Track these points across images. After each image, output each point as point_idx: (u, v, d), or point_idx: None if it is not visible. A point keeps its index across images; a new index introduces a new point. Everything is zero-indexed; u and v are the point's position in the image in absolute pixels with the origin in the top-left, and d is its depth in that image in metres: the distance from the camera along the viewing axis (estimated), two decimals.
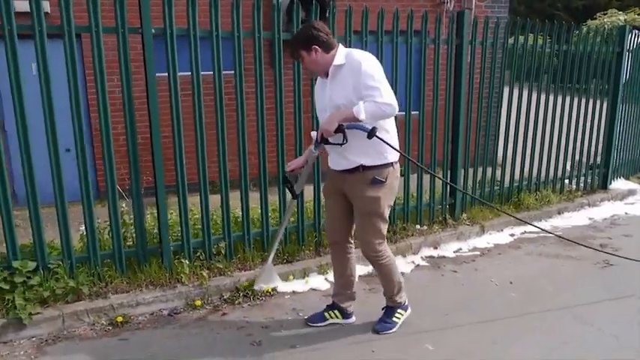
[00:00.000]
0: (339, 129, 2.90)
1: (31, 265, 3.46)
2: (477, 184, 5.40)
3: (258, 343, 3.24)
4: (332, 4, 4.28)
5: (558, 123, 5.93)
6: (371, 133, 2.88)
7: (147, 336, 3.36)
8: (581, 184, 6.37)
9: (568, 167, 6.21)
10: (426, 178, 5.04)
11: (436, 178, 4.84)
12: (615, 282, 4.05)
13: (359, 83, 2.85)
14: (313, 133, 3.34)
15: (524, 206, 5.63)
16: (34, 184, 3.42)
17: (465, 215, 5.17)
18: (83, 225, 3.69)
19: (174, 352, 3.16)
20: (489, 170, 5.48)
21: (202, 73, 3.74)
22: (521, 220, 4.36)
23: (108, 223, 3.73)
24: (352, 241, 3.40)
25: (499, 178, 5.60)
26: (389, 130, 3.05)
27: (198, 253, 3.95)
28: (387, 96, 2.83)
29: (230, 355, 3.13)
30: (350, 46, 4.02)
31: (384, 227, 3.20)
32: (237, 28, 3.79)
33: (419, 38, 4.59)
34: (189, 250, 3.90)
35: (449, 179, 5.09)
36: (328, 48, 2.98)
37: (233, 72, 3.86)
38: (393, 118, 3.07)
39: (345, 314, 3.45)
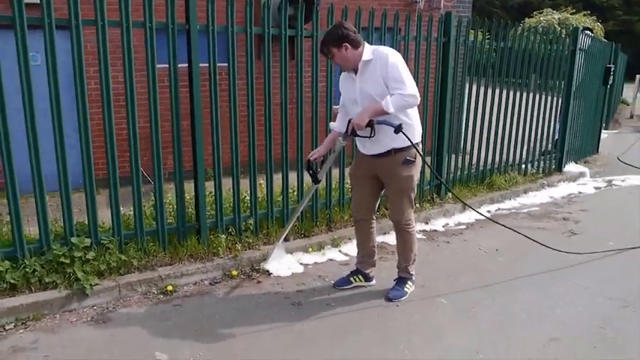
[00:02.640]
0: (369, 123, 3.28)
1: (87, 241, 3.78)
2: (458, 167, 6.08)
3: (298, 304, 3.73)
4: (316, 3, 4.70)
5: (524, 115, 6.71)
6: (397, 129, 3.28)
7: (197, 302, 3.77)
8: (541, 168, 7.21)
9: (531, 153, 7.02)
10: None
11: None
12: (580, 247, 4.78)
13: (387, 75, 3.25)
14: (332, 124, 3.79)
15: (496, 186, 6.37)
16: (92, 169, 3.75)
17: (449, 194, 5.83)
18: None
19: (225, 313, 3.59)
20: (467, 157, 6.18)
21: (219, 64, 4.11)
22: (469, 206, 5.03)
23: (153, 202, 4.10)
24: (374, 217, 3.90)
25: (475, 163, 6.32)
26: (412, 118, 3.47)
27: (230, 229, 4.38)
28: (411, 88, 3.24)
29: (276, 313, 3.60)
30: None
31: (414, 198, 3.72)
32: (266, 25, 4.23)
33: (402, 36, 5.13)
34: (222, 227, 4.32)
35: (435, 164, 5.73)
36: (356, 45, 3.34)
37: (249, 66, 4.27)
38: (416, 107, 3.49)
39: (368, 278, 3.97)
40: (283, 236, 4.25)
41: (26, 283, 3.55)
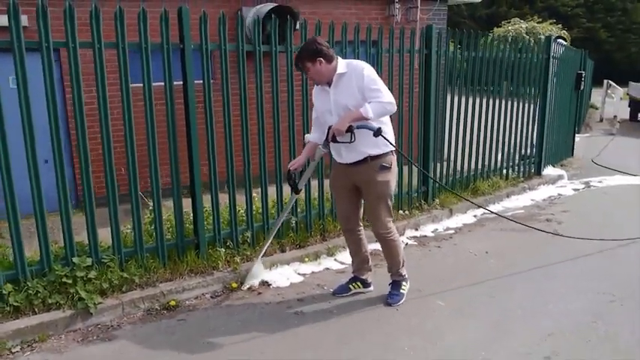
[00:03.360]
0: (349, 129, 3.35)
1: (88, 260, 3.81)
2: (443, 174, 6.26)
3: (301, 313, 3.81)
4: (290, 19, 4.78)
5: (502, 121, 6.94)
6: (377, 133, 3.36)
7: (200, 315, 3.82)
8: (521, 172, 7.44)
9: (510, 158, 7.24)
10: (405, 170, 5.79)
11: (413, 170, 5.63)
12: (565, 247, 4.96)
13: (363, 86, 3.38)
14: (307, 136, 3.88)
15: (480, 192, 6.56)
16: (91, 189, 3.79)
17: (436, 201, 5.99)
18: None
19: (230, 325, 3.65)
20: (451, 164, 6.37)
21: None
22: (474, 202, 5.21)
23: (151, 219, 4.14)
24: (362, 225, 3.97)
25: (459, 169, 6.50)
26: (386, 123, 3.56)
27: (228, 243, 4.44)
28: (388, 96, 3.39)
29: (280, 323, 3.66)
30: None
31: (391, 206, 3.78)
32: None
33: (386, 49, 5.28)
34: (220, 240, 4.38)
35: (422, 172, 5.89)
36: (330, 59, 3.46)
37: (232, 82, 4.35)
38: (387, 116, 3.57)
39: (365, 284, 4.06)
40: (263, 251, 4.26)
41: (29, 305, 3.55)
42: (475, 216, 6.09)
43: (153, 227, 4.15)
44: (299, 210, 4.92)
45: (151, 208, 4.18)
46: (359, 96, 3.41)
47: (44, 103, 3.55)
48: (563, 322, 3.60)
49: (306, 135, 3.99)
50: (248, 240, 4.54)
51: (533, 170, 7.65)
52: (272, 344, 3.38)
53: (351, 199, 3.83)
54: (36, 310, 3.55)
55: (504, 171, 7.15)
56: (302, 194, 4.64)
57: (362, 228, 3.98)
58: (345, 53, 4.95)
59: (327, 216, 5.07)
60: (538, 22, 21.36)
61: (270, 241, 4.29)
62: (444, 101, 6.05)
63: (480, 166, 6.74)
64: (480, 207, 5.54)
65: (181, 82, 4.05)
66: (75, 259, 3.75)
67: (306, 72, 3.55)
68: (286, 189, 4.75)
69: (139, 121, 3.98)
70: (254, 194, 4.66)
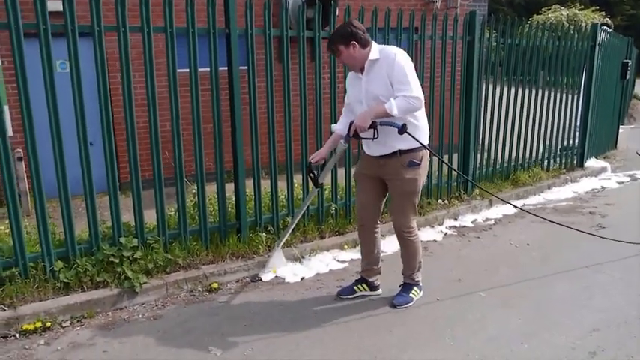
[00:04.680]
0: (372, 125, 3.18)
1: (134, 241, 3.90)
2: (483, 164, 6.17)
3: (341, 299, 3.82)
4: (334, 4, 4.75)
5: (545, 111, 6.80)
6: (402, 130, 3.15)
7: (242, 298, 3.88)
8: (563, 164, 7.28)
9: (551, 149, 7.09)
10: (445, 158, 5.73)
11: (454, 159, 5.57)
12: (610, 241, 4.84)
13: (392, 75, 3.15)
14: (334, 126, 3.68)
15: (521, 182, 6.45)
16: (138, 172, 3.87)
17: (476, 191, 5.92)
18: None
19: (271, 309, 3.69)
20: (491, 154, 6.28)
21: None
22: (502, 199, 5.09)
23: (194, 203, 4.21)
24: (379, 223, 3.72)
25: (499, 160, 6.40)
26: (418, 119, 3.34)
27: (269, 228, 4.48)
28: (415, 90, 3.12)
29: (321, 308, 3.68)
30: None
31: (417, 204, 3.56)
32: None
33: (428, 35, 5.22)
34: (261, 225, 4.43)
35: (462, 161, 5.82)
36: (365, 44, 3.24)
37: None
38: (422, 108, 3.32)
39: (373, 287, 3.83)
40: (282, 241, 4.19)
41: (79, 282, 3.67)
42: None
43: (196, 210, 4.22)
44: (338, 197, 4.93)
45: (194, 191, 4.25)
46: (389, 85, 3.20)
47: (90, 87, 3.63)
48: (608, 317, 3.52)
49: (332, 125, 3.77)
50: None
51: (575, 162, 7.48)
52: (311, 332, 3.39)
53: (374, 192, 3.60)
54: (85, 287, 3.67)
55: (545, 162, 7.01)
56: (342, 181, 4.63)
57: (379, 225, 3.74)
58: (387, 40, 4.92)
59: None
60: (580, 10, 20.75)
61: (289, 233, 4.17)
62: (486, 90, 5.95)
63: (520, 157, 6.62)
64: (506, 203, 5.44)
65: (226, 68, 4.08)
66: (122, 239, 3.86)
67: (338, 56, 3.34)
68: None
69: (185, 106, 4.03)
70: (295, 180, 4.68)
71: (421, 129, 3.38)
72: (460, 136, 5.75)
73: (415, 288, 3.73)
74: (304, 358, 3.09)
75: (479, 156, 6.09)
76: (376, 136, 3.23)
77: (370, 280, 3.82)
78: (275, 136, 4.39)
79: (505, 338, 3.28)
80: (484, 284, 4.03)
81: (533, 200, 6.31)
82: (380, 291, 3.86)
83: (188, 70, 3.91)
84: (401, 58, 3.17)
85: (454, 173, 5.80)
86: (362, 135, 3.27)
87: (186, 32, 3.83)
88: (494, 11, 26.20)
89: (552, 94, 6.91)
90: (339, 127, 3.60)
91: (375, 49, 3.27)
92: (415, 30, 5.12)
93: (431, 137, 5.37)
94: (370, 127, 3.19)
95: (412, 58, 4.95)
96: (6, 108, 6.11)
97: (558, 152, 7.20)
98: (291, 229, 4.17)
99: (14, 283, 3.52)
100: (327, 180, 4.71)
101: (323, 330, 3.40)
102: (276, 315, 3.61)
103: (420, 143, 3.33)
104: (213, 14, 3.89)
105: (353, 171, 4.88)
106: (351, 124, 3.28)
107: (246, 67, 4.15)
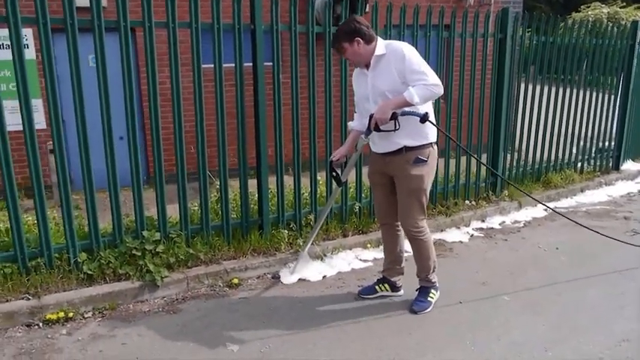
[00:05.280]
0: (393, 116, 3.08)
1: (157, 234, 3.93)
2: (513, 165, 6.02)
3: (360, 298, 3.77)
4: (362, 1, 4.70)
5: (579, 112, 6.58)
6: (423, 119, 3.08)
7: (262, 295, 3.87)
8: (598, 166, 7.04)
9: (586, 151, 6.87)
10: (473, 159, 5.61)
11: (481, 160, 5.43)
12: None
13: (404, 69, 3.06)
14: (350, 124, 3.58)
15: (552, 184, 6.27)
16: (162, 167, 3.89)
17: (505, 192, 5.78)
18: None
19: (291, 306, 3.67)
20: (522, 154, 6.11)
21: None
22: (536, 199, 4.93)
23: (217, 198, 4.22)
24: (399, 222, 3.58)
25: (530, 160, 6.23)
26: (429, 113, 3.22)
27: (291, 225, 4.46)
28: (433, 78, 3.05)
29: (340, 307, 3.65)
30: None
31: (426, 204, 3.42)
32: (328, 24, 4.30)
33: (457, 32, 5.12)
34: (283, 222, 4.41)
35: (491, 161, 5.68)
36: (369, 40, 3.17)
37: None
38: (430, 102, 3.26)
39: (394, 287, 3.75)
40: (309, 244, 4.10)
41: (101, 274, 3.72)
42: (546, 209, 5.83)
43: (219, 206, 4.23)
44: (363, 195, 4.88)
45: (217, 187, 4.26)
46: (398, 80, 3.11)
47: (117, 82, 3.67)
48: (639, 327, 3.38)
49: (348, 123, 3.67)
50: (311, 223, 4.54)
51: (611, 164, 7.23)
52: (330, 331, 3.36)
53: (386, 190, 3.53)
54: (107, 279, 3.72)
55: (579, 164, 6.79)
56: (366, 179, 4.54)
57: (400, 223, 3.62)
58: (417, 37, 4.83)
59: None
60: (621, 7, 20.13)
61: (315, 235, 4.09)
62: (517, 89, 5.80)
63: (552, 158, 6.43)
64: (540, 203, 5.28)
65: (251, 64, 4.07)
66: (145, 233, 3.89)
67: (343, 53, 3.25)
68: (350, 174, 4.74)
69: (209, 102, 4.04)
70: (319, 178, 4.65)
71: (430, 126, 3.27)
72: (490, 136, 5.62)
73: (432, 290, 3.63)
74: (321, 359, 3.06)
75: (509, 156, 5.93)
76: (398, 127, 3.14)
77: (392, 280, 3.75)
78: (300, 132, 4.36)
79: (529, 344, 3.17)
80: (509, 288, 3.92)
81: (565, 203, 6.12)
82: (402, 292, 3.79)
83: (212, 65, 3.91)
84: (409, 51, 3.10)
85: (482, 173, 5.67)
86: (382, 127, 3.16)
87: (211, 28, 3.83)
88: (531, 8, 25.58)
89: (589, 93, 6.68)
90: (355, 124, 3.54)
91: (381, 45, 3.20)
92: (445, 27, 5.02)
93: (459, 137, 5.33)
94: (391, 119, 3.10)
95: (441, 57, 4.95)
96: (39, 102, 6.26)
97: (593, 154, 6.96)
98: (316, 231, 4.08)
99: (39, 273, 3.59)
100: (351, 177, 4.67)
101: (342, 330, 3.36)
102: (295, 313, 3.58)
103: (442, 131, 3.32)
104: (238, 9, 3.88)
105: None
106: (371, 117, 3.18)
107: (271, 64, 4.13)
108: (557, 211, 4.46)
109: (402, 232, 3.66)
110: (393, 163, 3.34)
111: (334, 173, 3.60)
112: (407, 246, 3.66)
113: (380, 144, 3.36)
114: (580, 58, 6.40)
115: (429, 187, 3.38)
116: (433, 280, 3.62)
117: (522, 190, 4.68)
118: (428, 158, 3.30)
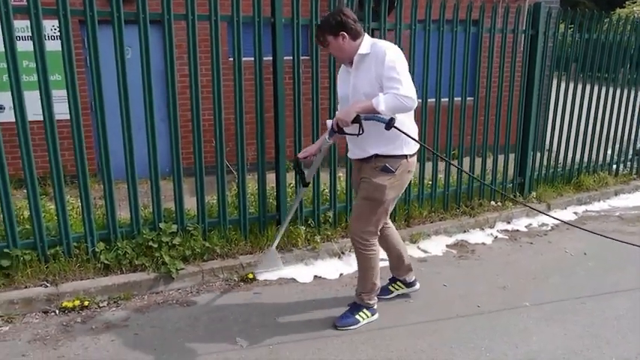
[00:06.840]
0: (356, 119, 2.86)
1: (174, 227, 3.95)
2: (543, 165, 5.83)
3: (379, 299, 3.70)
4: None
5: (616, 112, 6.32)
6: (389, 124, 2.82)
7: (276, 291, 3.84)
8: (634, 169, 6.76)
9: (622, 153, 6.60)
10: (500, 158, 5.45)
11: (510, 161, 5.29)
12: None
13: (382, 73, 2.84)
14: (329, 122, 3.33)
15: (584, 187, 6.05)
16: (180, 159, 3.90)
17: (533, 194, 5.60)
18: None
19: (305, 304, 3.63)
20: (553, 155, 5.91)
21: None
22: (537, 209, 4.72)
23: (235, 192, 4.21)
24: (388, 220, 3.43)
25: (561, 161, 6.03)
26: (403, 124, 2.96)
27: (309, 221, 4.42)
28: (407, 89, 2.79)
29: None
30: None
31: (382, 220, 3.19)
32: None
33: (485, 28, 4.97)
34: (301, 218, 4.37)
35: (519, 161, 5.52)
36: (355, 36, 2.96)
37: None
38: (411, 112, 3.03)
39: (407, 284, 3.67)
40: (276, 242, 3.97)
41: (118, 264, 3.76)
42: (576, 213, 5.64)
43: (237, 200, 4.22)
44: None
45: (236, 181, 4.24)
46: (376, 84, 2.89)
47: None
48: None
49: (327, 120, 3.42)
50: (330, 219, 4.49)
51: None
52: (346, 329, 3.31)
53: None
54: (123, 269, 3.75)
55: (614, 166, 6.53)
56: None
57: (389, 223, 3.49)
58: (442, 32, 4.71)
59: (412, 201, 4.90)
60: None
61: (282, 234, 3.95)
62: (549, 87, 5.60)
63: (585, 160, 6.20)
64: (539, 212, 5.08)
65: (271, 58, 4.03)
66: (162, 225, 3.91)
67: (326, 46, 3.03)
68: None
69: (228, 96, 4.02)
70: (339, 174, 4.59)
71: (411, 131, 3.06)
72: (518, 135, 5.44)
73: (365, 310, 3.35)
74: (330, 359, 3.01)
75: (538, 156, 5.74)
76: (361, 132, 2.89)
77: (401, 277, 3.67)
78: (319, 128, 4.30)
79: (546, 354, 3.05)
80: (531, 294, 3.79)
81: (597, 206, 5.90)
82: (417, 286, 3.70)
83: (232, 59, 3.89)
84: (392, 54, 2.86)
85: (510, 173, 5.51)
86: (346, 130, 2.95)
87: (230, 20, 3.80)
88: (575, 4, 24.81)
89: (632, 93, 6.41)
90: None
91: (367, 43, 2.98)
92: (473, 22, 4.87)
93: (485, 135, 5.20)
94: (354, 122, 2.87)
95: (469, 52, 4.81)
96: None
97: (630, 156, 6.68)
98: (284, 229, 3.93)
99: (57, 261, 3.65)
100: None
101: (354, 330, 3.30)
102: (308, 310, 3.54)
103: (413, 139, 3.04)
104: (259, 2, 3.84)
105: None
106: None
107: (291, 58, 4.08)
108: (567, 222, 4.21)
109: (392, 229, 3.55)
110: (362, 170, 3.19)
111: (299, 171, 3.45)
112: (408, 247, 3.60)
113: (352, 150, 3.23)
114: (624, 56, 6.14)
115: (390, 202, 3.15)
116: (368, 302, 3.36)
117: (520, 201, 4.51)
118: (397, 170, 3.07)
